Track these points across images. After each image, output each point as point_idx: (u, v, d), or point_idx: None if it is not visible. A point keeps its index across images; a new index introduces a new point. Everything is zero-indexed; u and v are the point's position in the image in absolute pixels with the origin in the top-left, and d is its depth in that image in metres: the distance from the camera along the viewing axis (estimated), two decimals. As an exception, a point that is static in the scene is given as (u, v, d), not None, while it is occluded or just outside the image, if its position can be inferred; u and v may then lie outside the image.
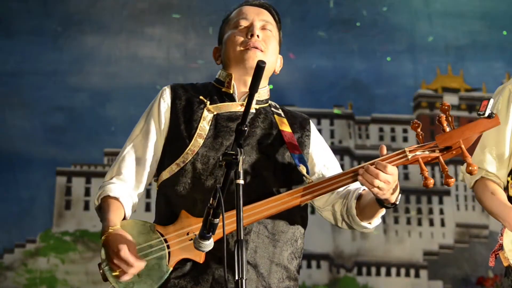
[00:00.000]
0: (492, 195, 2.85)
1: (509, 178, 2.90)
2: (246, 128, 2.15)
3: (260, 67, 2.12)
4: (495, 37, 6.61)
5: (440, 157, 2.45)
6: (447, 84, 6.62)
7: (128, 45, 6.38)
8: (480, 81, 6.58)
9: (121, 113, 6.12)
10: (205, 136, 2.57)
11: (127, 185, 2.60)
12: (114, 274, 2.36)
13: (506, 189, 2.92)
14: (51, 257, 6.00)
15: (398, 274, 6.23)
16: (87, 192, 6.17)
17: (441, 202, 6.39)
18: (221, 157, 2.14)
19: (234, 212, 2.24)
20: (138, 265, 2.35)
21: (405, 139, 6.43)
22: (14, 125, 6.13)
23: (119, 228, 2.45)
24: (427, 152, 2.46)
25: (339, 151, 6.36)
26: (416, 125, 2.48)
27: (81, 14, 6.37)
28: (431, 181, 2.41)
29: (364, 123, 6.48)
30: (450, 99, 6.54)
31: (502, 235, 2.83)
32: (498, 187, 2.89)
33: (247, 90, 2.66)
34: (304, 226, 2.63)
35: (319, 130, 6.44)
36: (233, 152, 2.12)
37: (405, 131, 6.49)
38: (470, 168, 2.40)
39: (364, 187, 2.59)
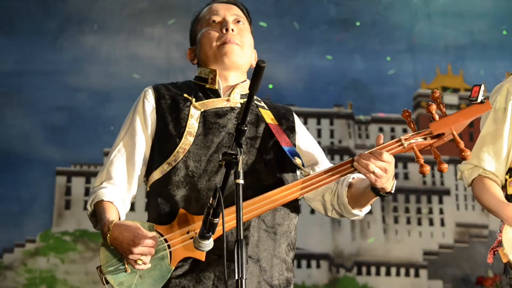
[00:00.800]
0: (489, 192, 2.85)
1: (507, 176, 2.91)
2: (246, 128, 2.14)
3: (260, 67, 2.11)
4: (495, 36, 6.62)
5: (433, 145, 2.46)
6: (447, 84, 6.62)
7: (127, 45, 6.38)
8: (480, 81, 6.56)
9: (120, 113, 6.07)
10: (194, 134, 2.56)
11: (119, 189, 2.58)
12: (139, 262, 2.33)
13: (504, 187, 2.92)
14: (51, 257, 6.00)
15: (398, 273, 6.23)
16: (87, 192, 6.16)
17: (441, 201, 6.39)
18: (221, 157, 2.13)
19: (232, 209, 2.23)
20: (156, 242, 2.34)
21: (405, 139, 6.42)
22: (13, 124, 6.13)
23: (118, 221, 2.44)
24: (420, 140, 2.46)
25: (339, 151, 6.36)
26: (407, 113, 2.50)
27: (81, 13, 6.38)
28: (427, 168, 2.41)
29: (364, 123, 6.48)
30: (450, 99, 6.54)
31: (501, 231, 2.83)
32: (495, 184, 2.89)
33: (229, 84, 2.67)
34: (297, 217, 2.64)
35: (319, 130, 6.42)
36: (233, 152, 2.12)
37: (405, 130, 6.49)
38: (463, 153, 2.41)
39: (353, 176, 2.59)
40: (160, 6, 6.47)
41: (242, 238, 2.07)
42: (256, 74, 2.13)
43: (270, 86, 6.26)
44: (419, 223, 6.34)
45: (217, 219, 2.19)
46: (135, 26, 6.41)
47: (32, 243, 6.01)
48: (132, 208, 2.73)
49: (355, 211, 2.59)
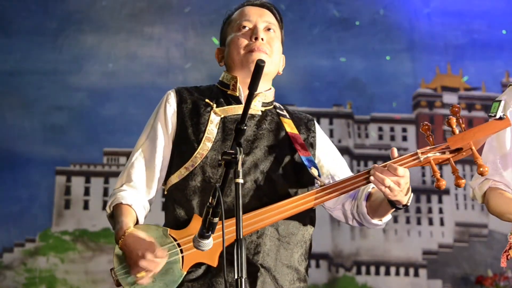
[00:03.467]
0: (504, 197, 2.82)
1: None
2: (245, 128, 2.15)
3: (259, 66, 2.11)
4: (494, 36, 6.62)
5: (451, 159, 2.46)
6: (446, 83, 6.62)
7: (127, 45, 6.38)
8: (480, 80, 6.58)
9: (120, 113, 6.13)
10: (213, 140, 2.55)
11: (139, 192, 2.58)
12: (139, 275, 2.35)
13: None
14: (51, 257, 6.00)
15: (397, 273, 6.23)
16: (87, 192, 6.17)
17: (440, 201, 6.40)
18: (220, 156, 2.13)
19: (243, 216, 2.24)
20: (163, 261, 2.36)
21: (404, 138, 6.43)
22: (13, 124, 6.13)
23: (135, 229, 2.44)
24: (438, 154, 2.47)
25: (339, 151, 6.35)
26: (426, 127, 2.50)
27: (80, 13, 6.38)
28: (443, 183, 2.44)
29: (363, 123, 6.48)
30: (449, 98, 6.54)
31: None
32: (507, 193, 2.86)
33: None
34: (313, 227, 2.65)
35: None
36: (233, 151, 2.12)
37: (404, 130, 6.49)
38: (481, 169, 2.42)
39: (373, 186, 2.59)
40: (160, 5, 6.47)
41: (241, 238, 2.07)
42: (255, 73, 2.13)
43: (270, 85, 6.26)
44: (419, 222, 6.35)
45: (216, 219, 2.19)
46: (135, 26, 6.42)
47: (31, 242, 6.02)
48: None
49: (375, 221, 2.60)
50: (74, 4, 6.39)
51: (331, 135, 6.41)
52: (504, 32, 6.64)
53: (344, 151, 6.39)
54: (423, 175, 6.39)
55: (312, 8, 6.58)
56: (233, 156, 2.11)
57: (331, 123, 6.42)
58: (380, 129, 6.48)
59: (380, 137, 6.44)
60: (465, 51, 6.61)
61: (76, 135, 6.16)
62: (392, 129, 6.49)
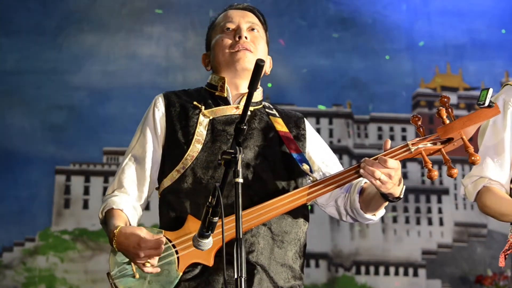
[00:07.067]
0: (502, 197, 2.80)
1: (511, 185, 2.88)
2: (245, 127, 2.15)
3: (259, 65, 2.11)
4: (494, 35, 6.62)
5: (442, 149, 2.45)
6: (446, 83, 6.62)
7: (127, 44, 6.38)
8: (479, 80, 6.59)
9: (120, 112, 6.13)
10: (203, 141, 2.57)
11: (130, 197, 2.60)
12: (146, 267, 2.35)
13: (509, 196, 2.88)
14: (50, 256, 6.00)
15: (396, 273, 6.24)
16: (86, 191, 6.17)
17: (439, 201, 6.40)
18: (220, 156, 2.13)
19: (233, 217, 2.24)
20: (162, 244, 2.35)
21: (404, 138, 6.44)
22: (13, 123, 6.13)
23: (123, 226, 2.45)
24: (429, 145, 2.45)
25: (338, 150, 6.36)
26: (417, 119, 2.48)
27: (80, 12, 6.38)
28: (435, 173, 2.39)
29: (363, 122, 6.49)
30: (449, 98, 6.54)
31: None
32: (503, 192, 2.85)
33: (239, 92, 2.67)
34: (306, 224, 2.64)
35: (318, 129, 6.42)
36: (232, 151, 2.12)
37: (403, 130, 6.49)
38: (473, 158, 2.40)
39: (366, 180, 2.58)
40: (159, 5, 6.47)
41: (241, 237, 2.08)
42: (254, 72, 2.13)
43: (269, 84, 6.27)
44: (418, 222, 6.35)
45: (216, 218, 2.19)
46: (134, 25, 6.42)
47: (31, 242, 6.02)
48: (147, 207, 2.73)
49: (368, 216, 2.59)
50: (73, 3, 6.39)
51: (330, 134, 6.41)
52: (503, 31, 6.64)
53: (343, 151, 6.39)
54: (422, 175, 6.39)
55: (312, 8, 6.58)
56: (232, 155, 2.12)
57: (330, 122, 6.42)
58: (380, 129, 6.49)
59: (380, 137, 6.45)
60: (464, 51, 6.62)
61: (75, 135, 6.16)
62: (391, 129, 6.50)
